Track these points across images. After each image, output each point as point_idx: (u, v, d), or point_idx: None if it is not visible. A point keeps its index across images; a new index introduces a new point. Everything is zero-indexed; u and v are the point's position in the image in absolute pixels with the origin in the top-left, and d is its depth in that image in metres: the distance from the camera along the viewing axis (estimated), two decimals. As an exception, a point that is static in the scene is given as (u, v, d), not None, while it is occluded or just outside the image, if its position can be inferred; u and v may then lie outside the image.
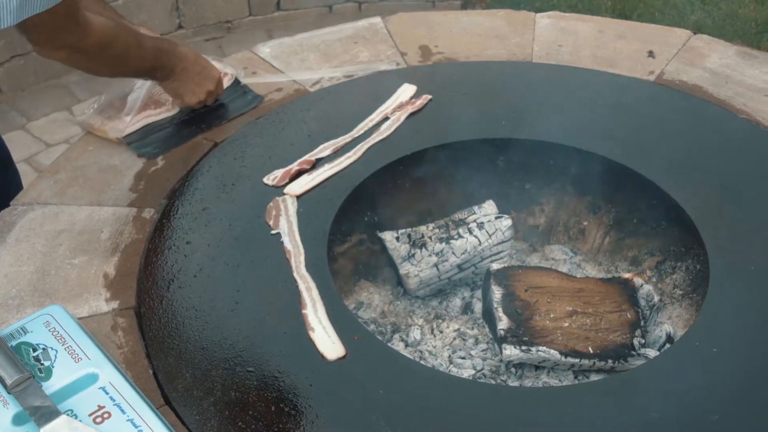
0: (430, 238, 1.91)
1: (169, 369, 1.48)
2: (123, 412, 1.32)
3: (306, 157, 1.99)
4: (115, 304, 1.63)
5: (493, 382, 1.71)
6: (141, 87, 2.16)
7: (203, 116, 2.18)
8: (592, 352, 1.68)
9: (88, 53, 1.80)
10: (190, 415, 1.39)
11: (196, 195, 1.90)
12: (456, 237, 1.90)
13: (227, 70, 2.30)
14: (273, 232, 1.77)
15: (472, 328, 1.86)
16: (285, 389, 1.44)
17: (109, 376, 1.39)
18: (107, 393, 1.35)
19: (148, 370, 1.49)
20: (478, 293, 1.94)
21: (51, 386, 1.36)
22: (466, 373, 1.72)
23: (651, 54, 2.46)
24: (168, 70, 2.04)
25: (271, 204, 1.85)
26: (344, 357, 1.49)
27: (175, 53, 2.04)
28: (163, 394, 1.44)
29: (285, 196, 1.87)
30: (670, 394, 1.45)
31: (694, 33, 2.59)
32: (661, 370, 1.52)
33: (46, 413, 1.28)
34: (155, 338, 1.55)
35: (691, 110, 2.19)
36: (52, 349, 1.42)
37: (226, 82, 2.25)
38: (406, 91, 2.23)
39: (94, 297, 1.65)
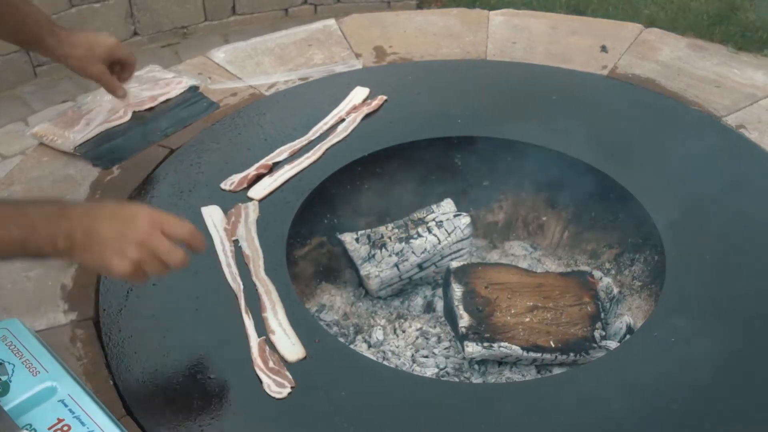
0: (390, 238, 1.91)
1: (129, 379, 1.47)
2: (83, 424, 1.31)
3: (263, 162, 1.98)
4: (73, 316, 1.62)
5: (457, 379, 1.71)
6: (94, 98, 2.14)
7: (158, 123, 2.15)
8: (553, 346, 1.69)
9: None
10: (151, 425, 1.38)
11: (153, 203, 1.88)
12: (415, 236, 1.90)
13: (182, 78, 2.29)
14: (232, 238, 1.77)
15: (435, 327, 1.86)
16: (248, 394, 1.43)
17: (68, 388, 1.37)
18: (66, 406, 1.34)
19: (109, 380, 1.48)
20: (440, 292, 1.94)
21: (9, 401, 1.34)
22: (430, 372, 1.72)
23: (604, 49, 2.48)
24: (65, 238, 1.33)
25: (232, 210, 1.84)
26: (305, 359, 1.49)
27: (68, 214, 1.36)
28: (124, 404, 1.43)
29: (248, 203, 1.86)
30: (630, 385, 1.46)
31: (646, 27, 2.61)
32: (621, 362, 1.54)
33: (4, 429, 1.27)
34: (115, 348, 1.53)
35: (644, 103, 2.21)
36: (9, 363, 1.40)
37: (179, 90, 2.24)
38: (359, 93, 2.23)
39: (52, 309, 1.63)
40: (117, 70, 2.07)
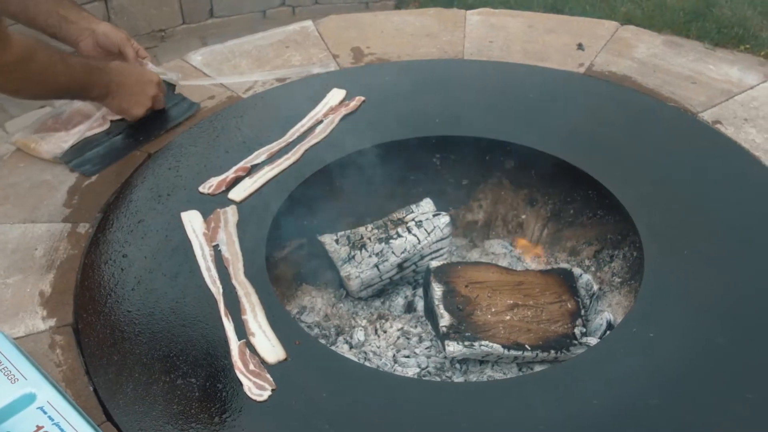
0: (370, 239, 1.91)
1: (109, 384, 1.47)
2: (62, 431, 1.30)
3: (241, 164, 1.98)
4: (52, 322, 1.61)
5: (438, 379, 1.72)
6: (72, 104, 2.13)
7: (140, 128, 2.15)
8: (534, 343, 1.69)
9: (7, 70, 1.73)
10: (132, 431, 1.38)
11: (131, 207, 1.88)
12: (395, 236, 1.90)
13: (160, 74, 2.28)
14: (212, 243, 1.76)
15: (416, 327, 1.86)
16: (228, 398, 1.43)
17: (47, 395, 1.36)
18: (46, 413, 1.33)
19: (88, 386, 1.47)
20: (420, 292, 1.94)
21: (-13, 410, 1.33)
22: (411, 372, 1.72)
23: (580, 47, 2.49)
24: (103, 87, 1.99)
25: (211, 216, 1.84)
26: (285, 360, 1.49)
27: (106, 69, 2.00)
28: (104, 410, 1.43)
29: (227, 207, 1.86)
30: (610, 381, 1.47)
31: (622, 24, 2.63)
32: (601, 358, 1.55)
33: (-18, 437, 1.26)
34: (94, 354, 1.53)
35: (621, 100, 2.23)
36: (-13, 371, 1.39)
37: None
38: (336, 95, 2.23)
39: (30, 316, 1.62)
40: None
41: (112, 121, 2.16)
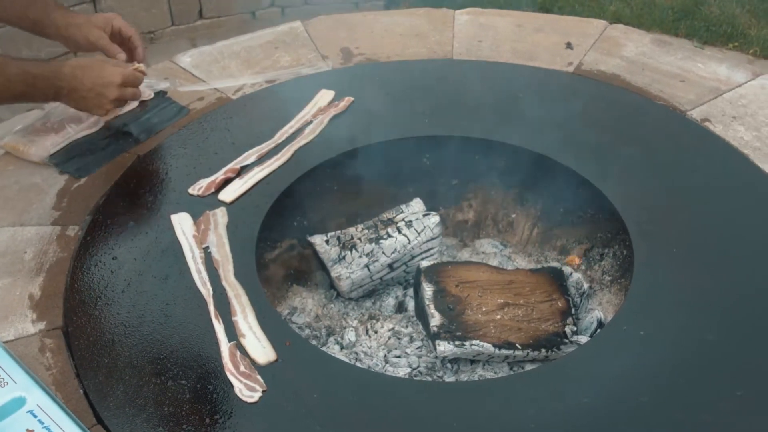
0: (360, 239, 1.91)
1: (99, 387, 1.46)
2: (53, 434, 1.30)
3: (231, 166, 1.98)
4: (42, 325, 1.60)
5: (430, 378, 1.72)
6: (60, 106, 2.12)
7: (129, 131, 2.14)
8: (525, 342, 1.69)
9: None
10: (122, 433, 1.38)
11: (121, 210, 1.87)
12: (385, 237, 1.90)
13: (152, 83, 2.28)
14: (203, 245, 1.76)
15: (407, 327, 1.86)
16: (218, 400, 1.43)
17: (37, 398, 1.36)
18: (36, 416, 1.32)
19: (79, 389, 1.47)
20: (411, 292, 1.95)
21: (-23, 414, 1.33)
22: (402, 372, 1.72)
23: (569, 45, 2.50)
24: (52, 94, 1.95)
25: (201, 218, 1.83)
26: (276, 361, 1.49)
27: (58, 75, 1.93)
28: (94, 413, 1.42)
29: (217, 209, 1.86)
30: (600, 379, 1.47)
31: (611, 23, 2.63)
32: (591, 356, 1.55)
33: (-28, 442, 1.26)
34: (84, 357, 1.52)
35: (610, 99, 2.23)
36: (-24, 375, 1.39)
37: (146, 97, 2.23)
38: (324, 96, 2.23)
39: (20, 319, 1.62)
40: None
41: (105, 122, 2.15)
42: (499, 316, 1.74)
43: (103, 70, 1.98)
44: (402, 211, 1.98)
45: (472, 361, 1.74)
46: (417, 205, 1.99)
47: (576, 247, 2.06)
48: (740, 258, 1.72)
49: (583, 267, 2.01)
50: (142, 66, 2.09)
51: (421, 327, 1.83)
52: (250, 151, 2.02)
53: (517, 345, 1.68)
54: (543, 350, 1.70)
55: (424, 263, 1.84)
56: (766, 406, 1.41)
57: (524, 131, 2.08)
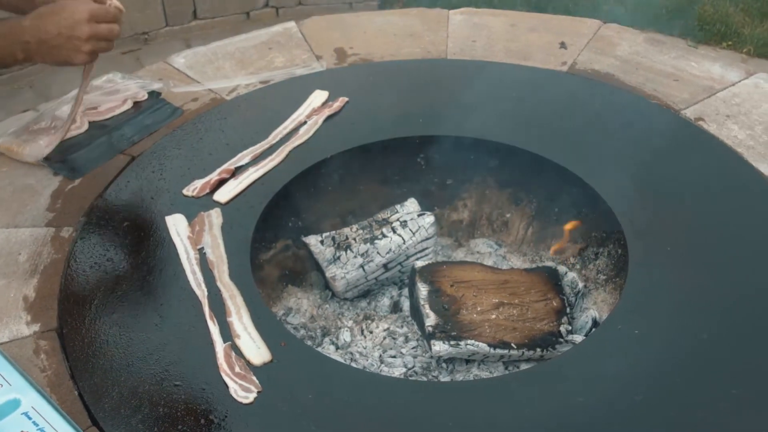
0: (355, 239, 1.91)
1: (94, 389, 1.46)
2: (48, 436, 1.30)
3: (225, 166, 1.97)
4: (36, 327, 1.60)
5: (425, 378, 1.72)
6: (55, 107, 2.12)
7: (123, 132, 2.15)
8: (520, 342, 1.69)
9: None
10: (118, 435, 1.37)
11: (115, 211, 1.87)
12: (380, 237, 1.90)
13: (144, 83, 2.28)
14: (197, 247, 1.76)
15: (402, 327, 1.86)
16: (213, 400, 1.42)
17: (32, 400, 1.36)
18: (30, 418, 1.33)
19: (74, 391, 1.46)
20: (406, 292, 1.94)
21: (-29, 416, 1.33)
22: (398, 372, 1.72)
23: (563, 45, 2.50)
24: (21, 51, 1.81)
25: (195, 219, 1.83)
26: (271, 362, 1.49)
27: (19, 30, 1.79)
28: (89, 414, 1.42)
29: (211, 210, 1.85)
30: (595, 378, 1.48)
31: (605, 22, 2.64)
32: (586, 355, 1.55)
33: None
34: (79, 359, 1.52)
35: (604, 99, 2.23)
36: (-30, 378, 1.39)
37: (140, 98, 2.23)
38: (318, 97, 2.23)
39: (15, 321, 1.61)
40: None
41: (97, 122, 2.15)
42: (494, 316, 1.74)
43: (64, 11, 1.80)
44: (397, 211, 1.98)
45: (468, 361, 1.74)
46: (412, 205, 1.99)
47: (571, 246, 2.06)
48: (735, 257, 1.72)
49: (577, 266, 2.01)
50: (116, 2, 1.89)
51: (416, 327, 1.83)
52: (245, 152, 2.02)
53: (513, 344, 1.68)
54: (538, 350, 1.70)
55: (419, 263, 1.84)
56: (762, 405, 1.41)
57: (519, 131, 2.08)
